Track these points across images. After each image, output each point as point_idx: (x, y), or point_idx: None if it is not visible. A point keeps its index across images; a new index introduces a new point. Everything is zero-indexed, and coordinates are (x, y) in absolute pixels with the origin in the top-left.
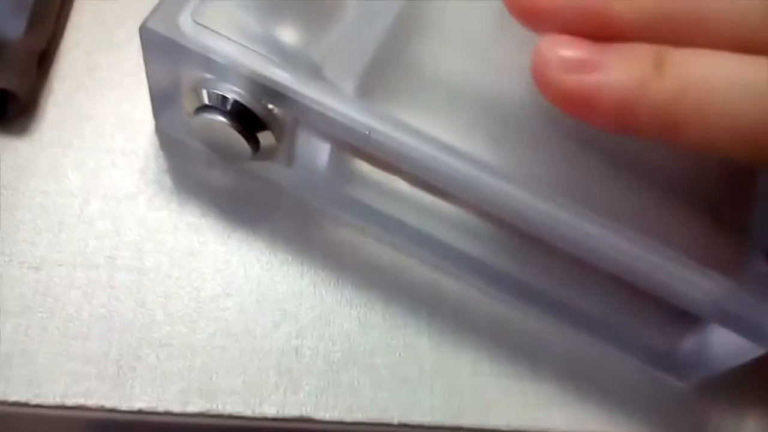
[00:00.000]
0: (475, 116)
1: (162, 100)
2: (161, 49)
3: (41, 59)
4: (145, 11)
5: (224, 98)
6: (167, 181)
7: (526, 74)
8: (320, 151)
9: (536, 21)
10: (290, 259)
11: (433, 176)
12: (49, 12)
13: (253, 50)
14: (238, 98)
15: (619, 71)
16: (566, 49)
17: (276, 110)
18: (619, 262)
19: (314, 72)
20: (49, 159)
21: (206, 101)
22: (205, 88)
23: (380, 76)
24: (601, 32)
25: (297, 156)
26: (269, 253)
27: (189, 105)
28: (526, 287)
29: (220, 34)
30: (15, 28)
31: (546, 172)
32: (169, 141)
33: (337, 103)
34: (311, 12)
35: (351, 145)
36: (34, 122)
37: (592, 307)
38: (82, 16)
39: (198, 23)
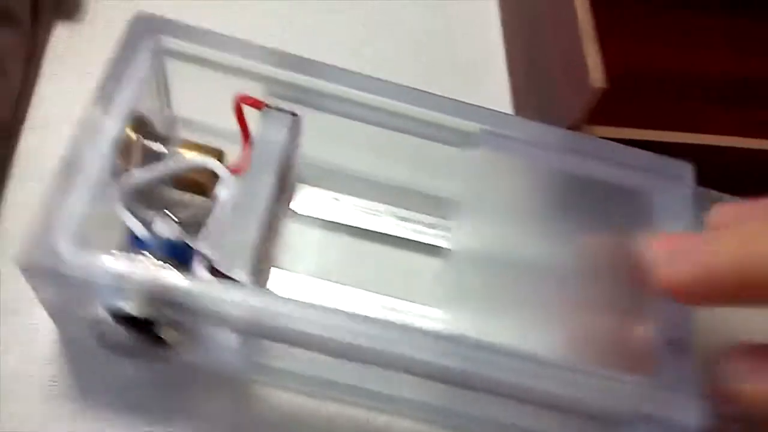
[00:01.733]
0: None
1: (61, 314)
2: (44, 277)
3: None
4: None
5: (122, 312)
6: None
7: None
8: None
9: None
10: None
11: (347, 352)
12: None
13: (141, 261)
14: (135, 311)
15: None
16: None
17: (178, 315)
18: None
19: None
20: None
21: (104, 317)
22: (102, 306)
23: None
24: None
25: (205, 341)
26: None
27: (90, 319)
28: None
29: (101, 252)
30: None
31: None
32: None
33: (242, 297)
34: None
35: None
36: None
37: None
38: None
39: (76, 245)
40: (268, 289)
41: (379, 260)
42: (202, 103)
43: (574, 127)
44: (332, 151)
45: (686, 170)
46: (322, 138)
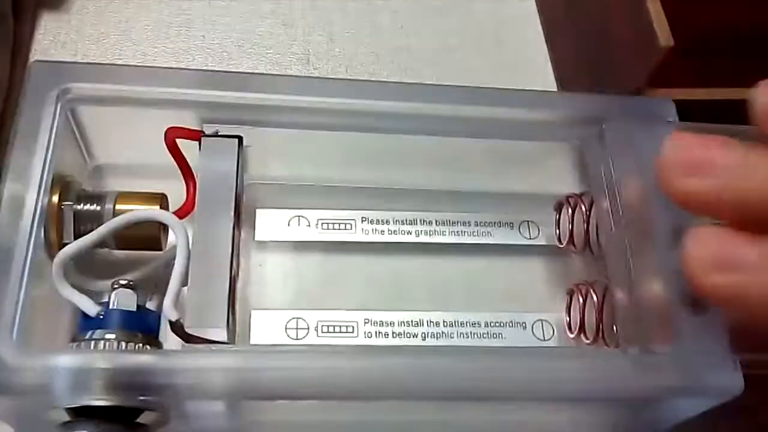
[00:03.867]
0: None
1: (23, 421)
2: None
3: None
4: None
5: (90, 408)
6: None
7: None
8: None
9: (692, 206)
10: None
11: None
12: None
13: (100, 345)
14: (104, 403)
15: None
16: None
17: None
18: None
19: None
20: None
21: (70, 417)
22: (62, 406)
23: None
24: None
25: (189, 414)
26: None
27: (54, 420)
28: None
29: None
30: None
31: None
32: None
33: (226, 361)
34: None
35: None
36: None
37: None
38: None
39: (22, 347)
40: (253, 345)
41: (361, 272)
42: (129, 145)
43: (637, 91)
44: (281, 166)
45: (669, 107)
46: (269, 154)
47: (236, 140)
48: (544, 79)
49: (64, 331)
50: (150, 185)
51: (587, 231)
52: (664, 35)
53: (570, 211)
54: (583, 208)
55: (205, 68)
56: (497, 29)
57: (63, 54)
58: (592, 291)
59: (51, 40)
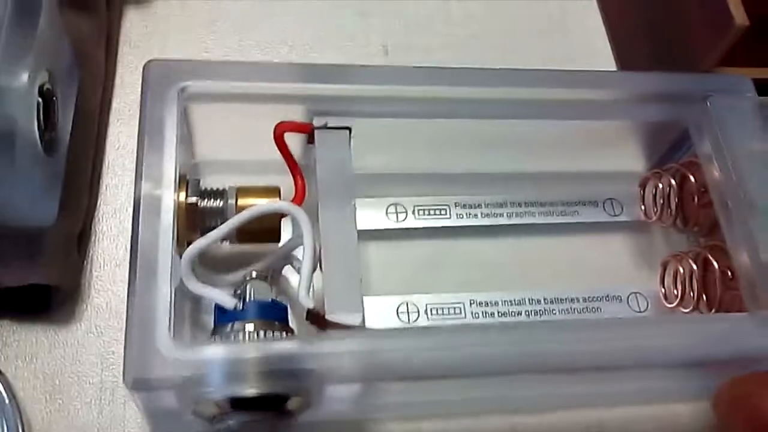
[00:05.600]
0: None
1: (162, 415)
2: (156, 389)
3: (80, 241)
4: None
5: (241, 400)
6: None
7: None
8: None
9: None
10: None
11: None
12: (81, 189)
13: (246, 336)
14: (256, 392)
15: None
16: None
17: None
18: None
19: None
20: (97, 349)
21: (221, 410)
22: (212, 399)
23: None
24: None
25: (326, 397)
26: None
27: (203, 413)
28: None
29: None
30: (47, 214)
31: None
32: None
33: (366, 345)
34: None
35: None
36: (79, 311)
37: None
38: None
39: (177, 344)
40: (388, 329)
41: (459, 255)
42: (227, 141)
43: (708, 69)
44: (376, 156)
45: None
46: (363, 144)
47: (347, 131)
48: (605, 60)
49: (187, 324)
50: (249, 180)
51: (677, 205)
52: (739, 15)
53: (658, 186)
54: (673, 183)
55: (287, 61)
56: (560, 14)
57: (150, 46)
58: (691, 261)
59: (138, 32)
